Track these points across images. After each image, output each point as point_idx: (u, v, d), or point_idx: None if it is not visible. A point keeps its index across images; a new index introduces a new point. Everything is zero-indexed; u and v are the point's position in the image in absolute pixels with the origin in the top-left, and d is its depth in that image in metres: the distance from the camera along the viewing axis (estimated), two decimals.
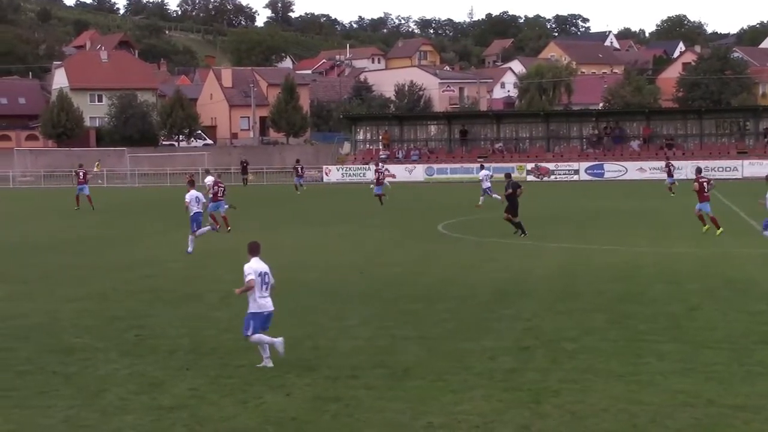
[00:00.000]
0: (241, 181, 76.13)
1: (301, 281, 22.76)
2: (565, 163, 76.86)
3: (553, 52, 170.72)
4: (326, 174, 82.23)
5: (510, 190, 32.28)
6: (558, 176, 75.33)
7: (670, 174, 54.35)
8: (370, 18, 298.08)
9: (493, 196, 44.86)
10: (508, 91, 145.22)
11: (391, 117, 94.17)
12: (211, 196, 36.10)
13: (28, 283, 23.41)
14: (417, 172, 79.07)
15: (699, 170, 32.84)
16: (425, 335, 16.39)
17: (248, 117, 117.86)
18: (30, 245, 32.27)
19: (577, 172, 75.31)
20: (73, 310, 19.33)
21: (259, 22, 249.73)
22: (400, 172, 79.52)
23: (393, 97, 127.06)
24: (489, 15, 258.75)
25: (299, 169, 66.75)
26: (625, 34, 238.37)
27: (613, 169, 74.62)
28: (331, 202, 54.29)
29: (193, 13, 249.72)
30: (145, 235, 35.55)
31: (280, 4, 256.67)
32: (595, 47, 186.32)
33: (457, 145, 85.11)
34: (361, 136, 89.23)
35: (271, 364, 14.23)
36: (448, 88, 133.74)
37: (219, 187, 36.28)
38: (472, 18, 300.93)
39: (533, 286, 21.47)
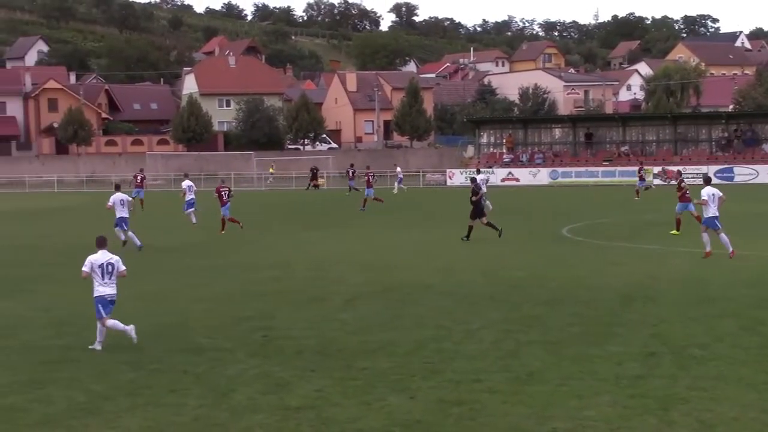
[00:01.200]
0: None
1: (424, 284, 22.82)
2: (694, 167, 75.14)
3: (681, 53, 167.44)
4: (450, 177, 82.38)
5: (481, 193, 33.32)
6: (686, 180, 73.72)
7: (642, 179, 57.44)
8: (494, 21, 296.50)
9: (486, 203, 45.97)
10: (635, 93, 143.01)
11: (515, 120, 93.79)
12: (188, 198, 41.56)
13: (159, 284, 24.01)
14: (541, 176, 78.53)
15: (679, 173, 33.71)
16: (549, 339, 16.25)
17: (372, 121, 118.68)
18: (160, 247, 33.06)
19: None
20: (202, 311, 19.74)
21: (384, 26, 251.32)
22: (524, 176, 79.15)
23: (517, 100, 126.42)
24: (615, 16, 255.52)
25: (314, 174, 68.18)
26: (756, 34, 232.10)
27: (743, 173, 72.87)
28: (455, 206, 54.26)
29: (319, 18, 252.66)
30: (271, 237, 36.08)
31: (404, 8, 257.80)
32: (725, 48, 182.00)
33: (581, 148, 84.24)
34: (484, 140, 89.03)
35: (99, 348, 16.01)
36: (573, 91, 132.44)
37: (223, 190, 38.34)
38: (597, 20, 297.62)
39: (660, 291, 21.07)
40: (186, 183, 42.82)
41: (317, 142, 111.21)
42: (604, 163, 78.91)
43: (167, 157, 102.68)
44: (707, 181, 27.94)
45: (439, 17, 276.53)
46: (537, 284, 22.51)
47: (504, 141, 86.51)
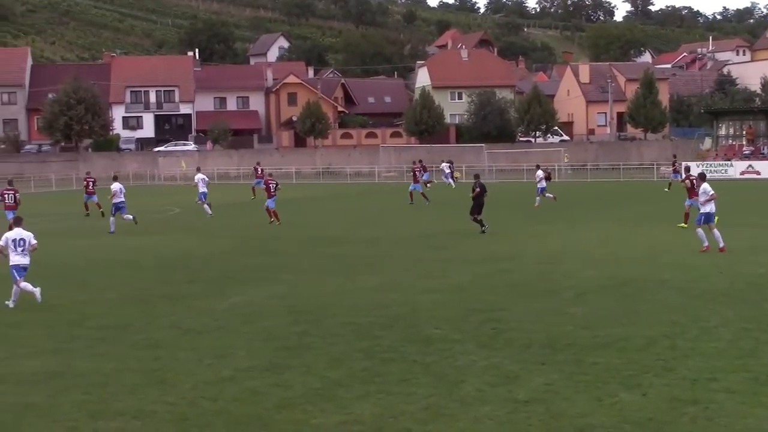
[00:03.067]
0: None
1: (658, 279, 22.30)
2: None
3: None
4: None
5: (477, 190, 33.89)
6: None
7: (676, 171, 58.49)
8: (735, 9, 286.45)
9: (547, 195, 46.54)
10: None
11: (757, 111, 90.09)
12: (201, 190, 44.94)
13: (390, 275, 24.46)
14: None
15: (687, 169, 39.31)
16: None
17: (605, 113, 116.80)
18: (395, 238, 33.68)
19: None
20: (432, 302, 19.97)
21: (618, 16, 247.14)
22: (765, 169, 75.94)
23: (759, 90, 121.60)
24: None
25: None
26: None
27: None
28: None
29: (552, 10, 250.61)
30: (502, 229, 36.08)
31: None
32: None
33: None
34: (723, 131, 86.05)
35: (12, 306, 19.86)
36: None
37: (271, 182, 39.77)
38: None
39: None
40: (199, 176, 46.23)
41: (549, 135, 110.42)
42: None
43: (399, 150, 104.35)
44: (704, 177, 28.83)
45: (676, 6, 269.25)
46: None
47: (744, 133, 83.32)
